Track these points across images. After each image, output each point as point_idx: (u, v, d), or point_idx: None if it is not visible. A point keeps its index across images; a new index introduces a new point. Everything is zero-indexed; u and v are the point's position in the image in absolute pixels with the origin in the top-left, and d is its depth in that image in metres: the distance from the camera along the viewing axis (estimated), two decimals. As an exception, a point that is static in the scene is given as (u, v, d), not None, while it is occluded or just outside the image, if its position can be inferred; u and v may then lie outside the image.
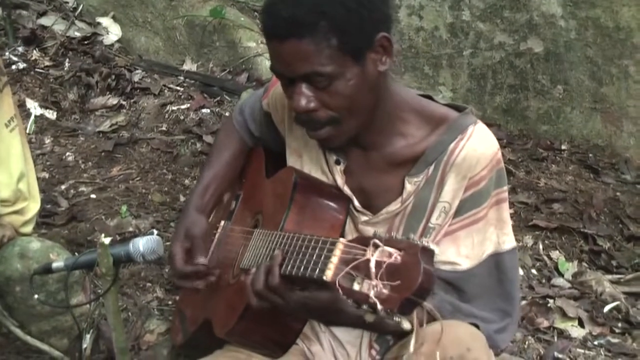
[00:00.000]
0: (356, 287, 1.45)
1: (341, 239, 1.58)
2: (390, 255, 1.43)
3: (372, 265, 1.43)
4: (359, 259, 1.47)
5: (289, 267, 1.73)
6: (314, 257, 1.63)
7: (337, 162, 2.06)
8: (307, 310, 1.80)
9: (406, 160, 1.99)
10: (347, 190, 2.05)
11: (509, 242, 2.01)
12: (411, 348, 1.61)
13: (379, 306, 1.40)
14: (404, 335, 1.93)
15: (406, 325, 1.48)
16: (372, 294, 1.41)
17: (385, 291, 1.40)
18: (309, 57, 1.78)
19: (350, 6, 1.77)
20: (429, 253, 1.44)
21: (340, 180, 2.05)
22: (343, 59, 1.80)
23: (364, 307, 1.44)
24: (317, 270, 1.60)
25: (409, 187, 1.98)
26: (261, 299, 1.81)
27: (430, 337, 1.77)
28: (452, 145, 1.94)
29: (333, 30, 1.76)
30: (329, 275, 1.55)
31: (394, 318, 1.43)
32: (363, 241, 1.51)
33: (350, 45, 1.79)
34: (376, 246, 1.46)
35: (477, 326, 1.92)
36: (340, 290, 1.47)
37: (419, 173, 1.97)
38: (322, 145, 2.05)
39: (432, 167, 1.96)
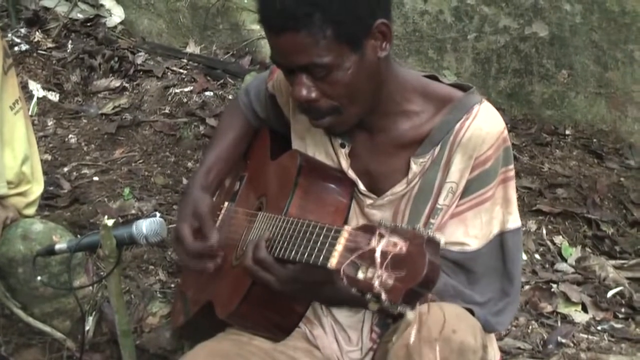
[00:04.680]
0: (360, 275, 1.45)
1: (346, 227, 1.57)
2: (395, 245, 1.43)
3: (378, 255, 1.43)
4: (364, 247, 1.47)
5: (292, 253, 1.73)
6: (318, 244, 1.63)
7: (342, 145, 2.05)
8: (299, 286, 1.81)
9: (412, 142, 1.98)
10: (351, 173, 2.04)
11: (512, 221, 2.00)
12: (411, 338, 1.61)
13: (383, 296, 1.40)
14: (399, 318, 1.93)
15: (410, 315, 1.48)
16: (376, 283, 1.41)
17: (390, 281, 1.40)
18: (305, 49, 1.78)
19: None
20: (434, 244, 1.43)
21: (345, 164, 2.05)
22: (340, 48, 1.79)
23: (368, 296, 1.43)
24: (322, 257, 1.60)
25: (414, 167, 1.97)
26: (251, 273, 1.83)
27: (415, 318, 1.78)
28: (457, 125, 1.93)
29: (328, 20, 1.76)
30: (333, 263, 1.54)
31: (398, 308, 1.42)
32: (368, 230, 1.50)
33: (346, 35, 1.78)
34: (382, 236, 1.45)
35: (472, 311, 1.91)
36: (344, 279, 1.47)
37: (424, 154, 1.96)
38: (326, 132, 2.06)
39: (438, 148, 1.95)
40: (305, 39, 1.76)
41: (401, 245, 1.42)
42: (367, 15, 1.81)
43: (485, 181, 1.94)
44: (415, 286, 1.39)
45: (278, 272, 1.80)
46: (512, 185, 2.00)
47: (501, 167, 1.96)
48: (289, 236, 1.78)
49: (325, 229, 1.64)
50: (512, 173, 2.00)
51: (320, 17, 1.75)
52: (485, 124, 1.93)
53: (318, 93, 1.85)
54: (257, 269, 1.83)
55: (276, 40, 1.82)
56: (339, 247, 1.55)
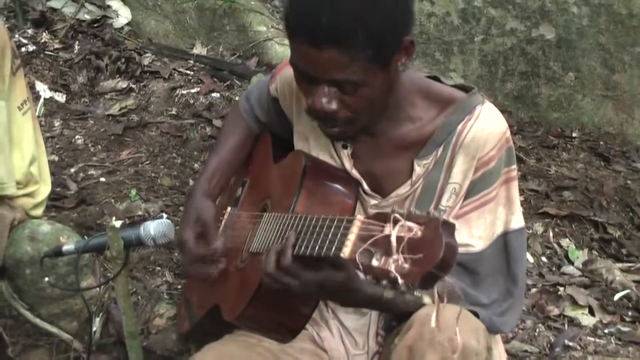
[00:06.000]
0: (375, 263, 1.44)
1: (358, 216, 1.56)
2: (410, 229, 1.42)
3: (393, 240, 1.42)
4: (377, 235, 1.46)
5: (303, 248, 1.72)
6: (330, 236, 1.62)
7: (344, 147, 2.06)
8: (322, 291, 1.80)
9: (414, 143, 1.98)
10: (355, 173, 2.04)
11: (515, 221, 2.00)
12: (432, 322, 1.61)
13: (400, 280, 1.39)
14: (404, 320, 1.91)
15: (427, 300, 1.48)
16: (392, 268, 1.40)
17: (406, 265, 1.39)
18: (343, 66, 1.78)
19: (386, 8, 1.76)
20: (450, 227, 1.42)
21: (348, 164, 2.05)
22: (374, 68, 1.80)
23: (384, 282, 1.43)
24: (334, 248, 1.59)
25: (418, 169, 1.97)
26: (274, 280, 1.80)
27: (417, 320, 1.78)
28: (460, 126, 1.94)
29: (370, 40, 1.75)
30: (346, 252, 1.53)
31: (415, 293, 1.42)
32: (381, 217, 1.49)
33: (383, 56, 1.79)
34: (396, 221, 1.45)
35: (475, 314, 1.90)
36: (360, 266, 1.46)
37: (427, 155, 1.96)
38: (332, 138, 2.06)
39: (440, 149, 1.96)
40: (346, 55, 1.76)
41: (416, 230, 1.42)
42: (401, 32, 1.82)
43: (488, 182, 1.95)
44: (432, 268, 1.38)
45: (302, 278, 1.77)
46: (515, 185, 2.01)
47: (504, 167, 1.96)
48: (299, 232, 1.77)
49: (336, 221, 1.63)
50: (515, 173, 2.01)
51: (363, 35, 1.74)
52: (487, 124, 1.94)
53: (339, 105, 1.85)
54: (282, 275, 1.79)
55: (312, 54, 1.79)
56: (352, 236, 1.53)
